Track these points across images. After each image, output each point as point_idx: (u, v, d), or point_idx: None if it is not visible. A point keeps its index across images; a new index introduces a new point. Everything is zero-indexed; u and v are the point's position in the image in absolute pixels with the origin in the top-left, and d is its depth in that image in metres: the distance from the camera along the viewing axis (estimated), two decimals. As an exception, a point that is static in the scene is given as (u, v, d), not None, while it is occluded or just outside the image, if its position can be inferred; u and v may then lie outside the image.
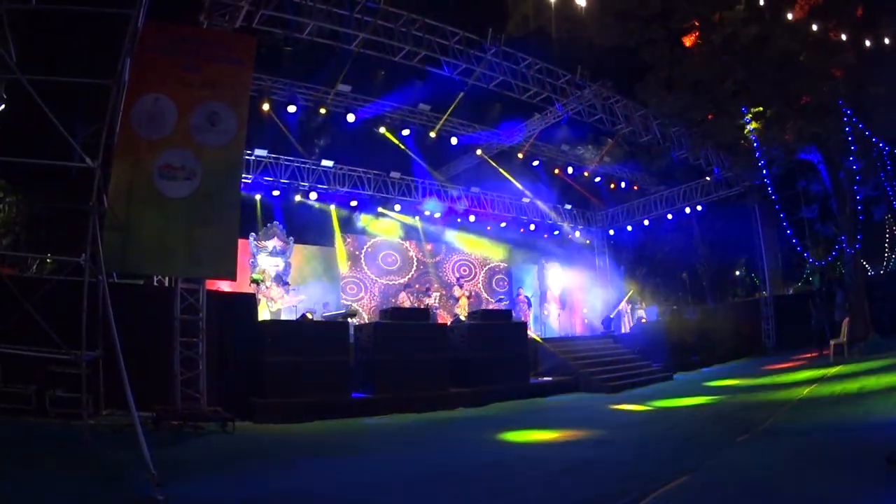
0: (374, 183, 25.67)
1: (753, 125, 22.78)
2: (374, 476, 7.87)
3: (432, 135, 24.36)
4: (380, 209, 26.35)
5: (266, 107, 20.17)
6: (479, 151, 26.02)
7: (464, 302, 23.21)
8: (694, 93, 22.51)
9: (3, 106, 10.13)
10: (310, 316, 17.53)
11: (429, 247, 28.51)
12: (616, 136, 24.47)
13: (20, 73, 8.40)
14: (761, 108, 22.81)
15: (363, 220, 26.45)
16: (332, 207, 25.18)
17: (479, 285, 29.61)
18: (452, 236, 28.82)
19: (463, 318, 21.63)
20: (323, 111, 21.33)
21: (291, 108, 20.43)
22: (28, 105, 8.35)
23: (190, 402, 11.57)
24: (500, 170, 26.90)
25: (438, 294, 25.11)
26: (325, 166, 24.05)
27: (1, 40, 8.66)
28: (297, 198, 24.19)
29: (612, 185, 29.96)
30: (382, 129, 23.15)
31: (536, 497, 6.54)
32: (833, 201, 24.37)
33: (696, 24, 21.08)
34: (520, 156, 26.47)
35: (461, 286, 24.15)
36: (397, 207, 26.63)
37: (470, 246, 29.51)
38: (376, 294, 26.46)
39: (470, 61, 19.11)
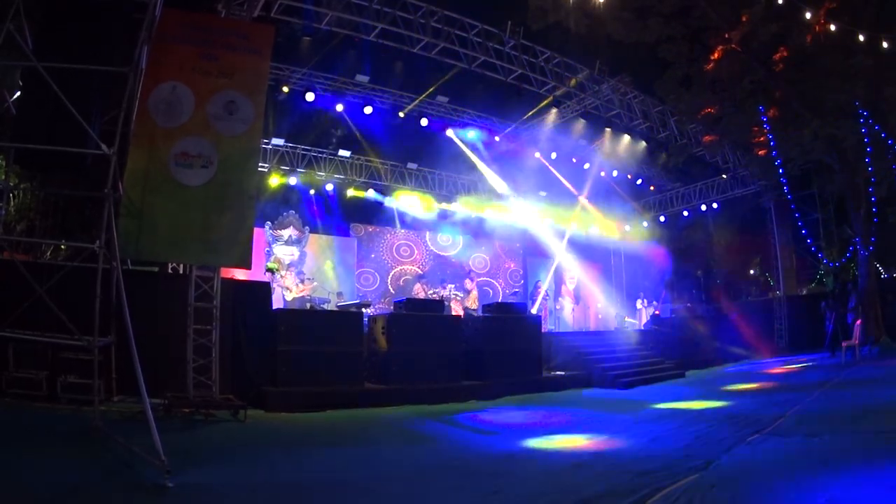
0: (391, 174, 25.76)
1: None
2: (385, 466, 7.90)
3: (449, 132, 24.39)
4: (396, 199, 26.39)
5: (283, 96, 20.15)
6: (497, 139, 25.92)
7: (475, 294, 23.18)
8: (712, 90, 22.44)
9: (18, 93, 10.15)
10: (330, 303, 17.56)
11: (444, 238, 28.53)
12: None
13: (36, 61, 8.42)
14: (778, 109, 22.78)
15: (379, 210, 26.47)
16: (349, 197, 25.21)
17: (495, 277, 29.65)
18: (468, 228, 28.81)
19: (473, 309, 21.59)
20: (340, 104, 21.30)
21: (309, 97, 20.37)
22: (44, 92, 8.36)
23: (202, 390, 11.59)
24: (517, 164, 26.87)
25: (452, 286, 25.10)
26: (342, 156, 24.12)
27: (17, 28, 8.68)
28: (314, 188, 24.20)
29: (629, 176, 29.81)
30: (399, 119, 23.06)
31: (545, 491, 6.53)
32: (848, 203, 24.27)
33: (715, 21, 20.95)
34: (536, 154, 26.41)
35: (472, 279, 24.12)
36: (413, 198, 26.62)
37: (485, 238, 29.49)
38: (390, 285, 26.51)
39: (488, 54, 19.09)
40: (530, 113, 23.54)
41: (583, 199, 30.06)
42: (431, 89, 21.92)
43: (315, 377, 13.13)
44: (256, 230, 15.31)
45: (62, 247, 16.51)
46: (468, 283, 23.33)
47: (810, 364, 19.95)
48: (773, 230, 26.82)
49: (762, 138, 23.75)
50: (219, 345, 11.94)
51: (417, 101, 22.67)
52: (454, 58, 19.00)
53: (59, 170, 11.41)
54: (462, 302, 22.75)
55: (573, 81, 21.68)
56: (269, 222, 23.22)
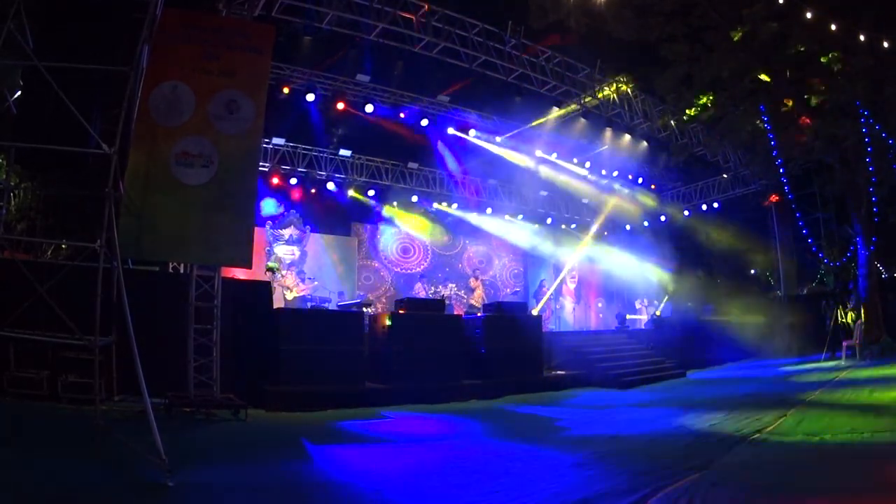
0: (392, 173, 25.71)
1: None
2: (386, 465, 7.91)
3: (451, 130, 24.34)
4: (397, 199, 26.36)
5: (284, 95, 20.10)
6: (498, 139, 25.83)
7: (479, 293, 23.17)
8: (713, 90, 22.40)
9: (19, 92, 10.15)
10: (331, 302, 17.57)
11: (445, 238, 28.51)
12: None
13: (37, 60, 8.42)
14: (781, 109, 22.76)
15: (380, 210, 26.42)
16: (350, 197, 25.18)
17: (495, 277, 29.61)
18: (469, 227, 28.74)
19: (477, 308, 21.56)
20: (341, 102, 21.24)
21: (310, 97, 20.33)
22: (45, 91, 8.36)
23: (203, 389, 11.58)
24: (519, 162, 26.85)
25: (454, 285, 25.13)
26: (343, 156, 24.07)
27: (18, 27, 8.67)
28: (315, 187, 24.17)
29: (629, 176, 29.74)
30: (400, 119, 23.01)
31: (547, 490, 6.54)
32: (849, 202, 24.24)
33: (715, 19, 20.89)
34: (538, 153, 26.37)
35: (476, 277, 24.12)
36: (414, 198, 26.60)
37: (485, 237, 29.43)
38: (391, 284, 26.49)
39: (489, 53, 19.07)
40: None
41: (584, 199, 29.98)
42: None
43: (316, 376, 13.14)
44: (257, 229, 15.35)
45: (63, 246, 16.47)
46: (473, 282, 23.37)
47: (811, 363, 19.95)
48: (773, 229, 26.81)
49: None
50: (219, 344, 11.93)
51: (422, 103, 22.68)
52: (455, 57, 18.95)
53: (59, 169, 11.42)
54: (467, 300, 22.78)
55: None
56: (269, 221, 23.20)
